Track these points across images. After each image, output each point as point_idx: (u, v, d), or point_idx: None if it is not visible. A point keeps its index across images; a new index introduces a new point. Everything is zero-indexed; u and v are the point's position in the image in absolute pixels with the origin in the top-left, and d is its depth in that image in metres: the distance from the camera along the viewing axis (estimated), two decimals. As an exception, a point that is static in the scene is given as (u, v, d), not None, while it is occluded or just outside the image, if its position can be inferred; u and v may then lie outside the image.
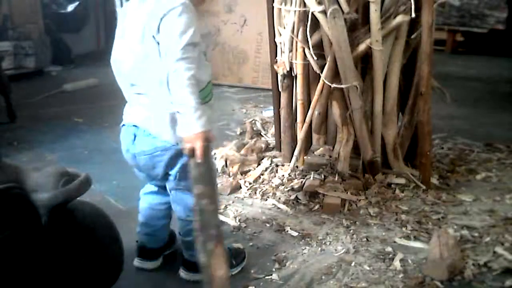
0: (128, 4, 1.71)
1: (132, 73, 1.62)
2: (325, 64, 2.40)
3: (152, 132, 1.62)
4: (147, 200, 1.88)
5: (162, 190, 1.82)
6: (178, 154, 1.61)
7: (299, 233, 2.12)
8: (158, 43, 1.54)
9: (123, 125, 1.72)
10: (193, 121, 1.47)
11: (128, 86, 1.66)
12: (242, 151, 2.78)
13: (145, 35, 1.56)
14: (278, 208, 2.34)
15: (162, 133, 1.61)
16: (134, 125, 1.66)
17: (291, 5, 2.42)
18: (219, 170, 2.64)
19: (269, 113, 3.53)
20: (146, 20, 1.56)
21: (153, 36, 1.54)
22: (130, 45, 1.63)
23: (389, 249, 1.99)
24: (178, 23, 1.51)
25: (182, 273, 1.82)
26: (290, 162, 2.62)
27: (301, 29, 2.41)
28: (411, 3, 2.23)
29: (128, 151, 1.70)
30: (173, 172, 1.67)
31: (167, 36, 1.52)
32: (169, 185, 1.74)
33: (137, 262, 1.90)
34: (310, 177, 2.45)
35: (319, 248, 2.01)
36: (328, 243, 2.04)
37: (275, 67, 2.59)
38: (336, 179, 2.42)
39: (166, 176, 1.71)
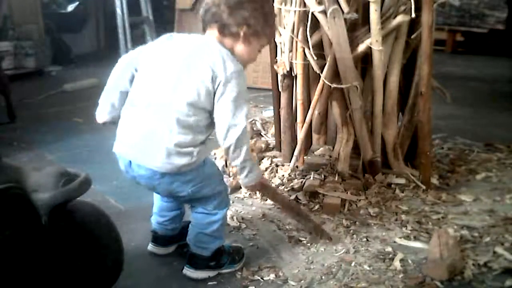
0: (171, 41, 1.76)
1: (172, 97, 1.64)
2: (325, 64, 2.40)
3: (147, 165, 1.66)
4: None
5: None
6: (176, 177, 1.67)
7: (299, 233, 2.12)
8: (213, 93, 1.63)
9: (116, 153, 1.75)
10: (253, 173, 1.73)
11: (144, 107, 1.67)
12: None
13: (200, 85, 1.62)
14: (278, 208, 2.34)
15: (158, 166, 1.64)
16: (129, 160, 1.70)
17: (291, 5, 2.42)
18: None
19: (269, 113, 3.53)
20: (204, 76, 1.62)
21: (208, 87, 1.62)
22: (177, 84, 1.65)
23: (389, 249, 1.99)
24: (240, 85, 1.63)
25: (188, 271, 1.82)
26: (290, 162, 2.62)
27: (301, 29, 2.41)
28: (411, 3, 2.23)
29: (128, 172, 1.73)
30: (183, 193, 1.72)
31: (228, 93, 1.62)
32: (182, 201, 1.85)
33: (150, 246, 1.98)
34: (310, 177, 2.45)
35: (319, 248, 2.01)
36: (328, 243, 2.04)
37: (275, 67, 2.59)
38: (336, 179, 2.42)
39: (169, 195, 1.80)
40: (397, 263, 1.89)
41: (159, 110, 1.64)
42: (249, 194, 2.47)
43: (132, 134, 1.70)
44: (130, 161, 1.70)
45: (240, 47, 1.71)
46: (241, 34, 1.69)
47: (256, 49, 1.77)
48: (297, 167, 2.58)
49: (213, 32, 1.72)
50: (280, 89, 2.65)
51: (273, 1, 2.52)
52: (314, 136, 2.62)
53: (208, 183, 1.73)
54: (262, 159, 2.75)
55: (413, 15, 2.24)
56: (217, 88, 1.62)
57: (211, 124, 1.68)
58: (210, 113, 1.66)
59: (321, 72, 2.41)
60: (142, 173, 1.68)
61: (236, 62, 1.67)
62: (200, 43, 1.72)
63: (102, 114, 1.83)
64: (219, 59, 1.63)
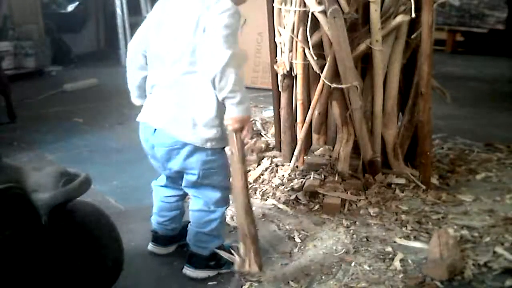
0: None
1: (181, 59, 1.65)
2: (325, 64, 2.40)
3: (174, 134, 1.68)
4: (158, 192, 1.95)
5: (173, 183, 1.88)
6: (196, 151, 1.68)
7: (299, 233, 2.12)
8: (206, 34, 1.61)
9: (141, 122, 1.77)
10: (244, 105, 1.62)
11: (165, 75, 1.69)
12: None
13: (196, 28, 1.62)
14: (278, 208, 2.34)
15: (184, 135, 1.67)
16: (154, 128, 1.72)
17: (291, 5, 2.42)
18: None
19: (269, 113, 3.53)
20: (195, 14, 1.62)
21: (203, 29, 1.61)
22: (177, 35, 1.66)
23: (389, 249, 1.99)
24: (227, 20, 1.60)
25: (188, 270, 1.82)
26: (290, 162, 2.62)
27: (301, 29, 2.41)
28: (411, 3, 2.23)
29: (148, 140, 1.75)
30: (195, 171, 1.73)
31: (216, 28, 1.59)
32: (189, 181, 1.78)
33: (150, 246, 1.99)
34: (310, 177, 2.45)
35: (319, 248, 2.01)
36: (328, 243, 2.04)
37: (275, 67, 2.59)
38: (336, 179, 2.42)
39: (179, 172, 1.78)
40: (397, 263, 1.89)
41: (181, 83, 1.66)
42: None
43: (160, 106, 1.72)
44: (155, 129, 1.71)
45: None
46: None
47: None
48: (297, 167, 2.58)
49: None
50: (280, 89, 2.65)
51: (273, 1, 2.52)
52: (314, 136, 2.62)
53: (219, 172, 1.75)
54: (262, 159, 2.75)
55: (413, 15, 2.25)
56: (207, 23, 1.61)
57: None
58: None
59: (321, 72, 2.41)
60: (166, 141, 1.70)
61: (228, 1, 1.65)
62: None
63: (134, 99, 1.89)
64: (210, 2, 1.63)
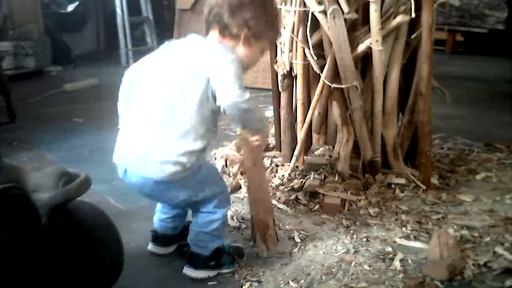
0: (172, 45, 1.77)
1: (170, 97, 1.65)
2: (325, 64, 2.40)
3: (139, 173, 1.68)
4: None
5: None
6: (169, 184, 1.66)
7: (299, 233, 2.12)
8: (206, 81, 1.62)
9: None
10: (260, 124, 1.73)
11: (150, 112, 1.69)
12: (242, 151, 2.78)
13: (190, 74, 1.64)
14: (278, 208, 2.34)
15: (149, 172, 1.65)
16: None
17: (291, 5, 2.42)
18: (219, 170, 2.64)
19: (269, 113, 3.52)
20: (196, 63, 1.64)
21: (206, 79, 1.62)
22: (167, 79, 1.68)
23: (389, 249, 1.99)
24: (232, 68, 1.61)
25: (188, 270, 1.82)
26: (290, 162, 2.62)
27: (301, 29, 2.41)
28: (411, 3, 2.23)
29: (125, 180, 1.75)
30: (180, 200, 1.74)
31: (221, 74, 1.61)
32: (180, 206, 1.85)
33: (150, 246, 1.98)
34: (310, 177, 2.45)
35: (319, 248, 2.01)
36: (328, 243, 2.04)
37: (275, 67, 2.59)
38: (336, 179, 2.42)
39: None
40: (397, 263, 1.89)
41: (152, 121, 1.66)
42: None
43: (127, 144, 1.72)
44: (126, 169, 1.72)
45: (240, 49, 1.71)
46: (242, 36, 1.69)
47: (257, 52, 1.76)
48: (297, 167, 2.58)
49: (214, 33, 1.72)
50: (280, 89, 2.65)
51: (273, 1, 2.52)
52: (314, 136, 2.62)
53: (203, 187, 1.73)
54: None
55: (413, 15, 2.24)
56: (211, 79, 1.61)
57: (206, 133, 1.66)
58: (203, 120, 1.64)
59: (321, 72, 2.41)
60: (136, 180, 1.69)
61: (232, 51, 1.66)
62: (194, 47, 1.72)
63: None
64: (212, 53, 1.64)
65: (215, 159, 2.74)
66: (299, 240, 2.07)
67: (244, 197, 2.45)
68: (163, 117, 1.64)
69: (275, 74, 2.67)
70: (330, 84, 2.39)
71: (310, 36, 2.37)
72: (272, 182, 2.53)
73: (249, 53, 1.73)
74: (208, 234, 1.80)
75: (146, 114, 1.68)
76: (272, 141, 2.97)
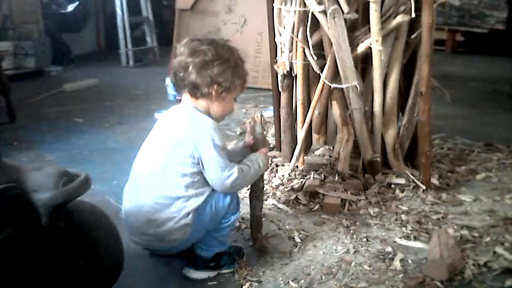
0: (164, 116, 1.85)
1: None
2: (325, 64, 2.40)
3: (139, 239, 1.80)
4: None
5: None
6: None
7: (299, 233, 2.12)
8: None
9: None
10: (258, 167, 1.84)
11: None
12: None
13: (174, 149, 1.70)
14: (278, 208, 2.34)
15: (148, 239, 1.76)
16: None
17: (291, 5, 2.42)
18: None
19: (269, 113, 3.52)
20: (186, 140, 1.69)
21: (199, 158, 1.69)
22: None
23: (389, 249, 1.99)
24: (209, 147, 1.67)
25: (188, 271, 1.83)
26: (290, 162, 2.62)
27: (301, 29, 2.41)
28: (411, 3, 2.23)
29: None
30: (187, 245, 1.80)
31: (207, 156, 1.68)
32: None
33: None
34: (310, 177, 2.45)
35: (319, 248, 2.01)
36: (328, 243, 2.04)
37: (275, 67, 2.59)
38: (336, 179, 2.42)
39: None
40: (397, 263, 1.89)
41: (145, 193, 1.72)
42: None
43: (127, 212, 1.78)
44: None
45: (215, 106, 1.74)
46: (213, 93, 1.71)
47: (231, 101, 1.80)
48: (297, 167, 2.58)
49: (186, 97, 1.75)
50: (280, 89, 2.65)
51: (273, 1, 2.52)
52: (314, 136, 2.62)
53: (207, 226, 1.76)
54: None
55: (413, 15, 2.24)
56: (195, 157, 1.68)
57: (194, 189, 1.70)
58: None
59: (321, 72, 2.41)
60: (140, 242, 1.79)
61: (205, 119, 1.71)
62: (175, 122, 1.76)
63: None
64: (189, 130, 1.69)
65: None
66: (299, 240, 2.07)
67: (244, 197, 2.45)
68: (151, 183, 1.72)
69: (275, 74, 2.67)
70: (330, 84, 2.39)
71: (310, 36, 2.38)
72: (272, 182, 2.53)
73: (224, 105, 1.77)
74: (216, 239, 1.80)
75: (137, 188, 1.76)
76: (272, 141, 2.97)
